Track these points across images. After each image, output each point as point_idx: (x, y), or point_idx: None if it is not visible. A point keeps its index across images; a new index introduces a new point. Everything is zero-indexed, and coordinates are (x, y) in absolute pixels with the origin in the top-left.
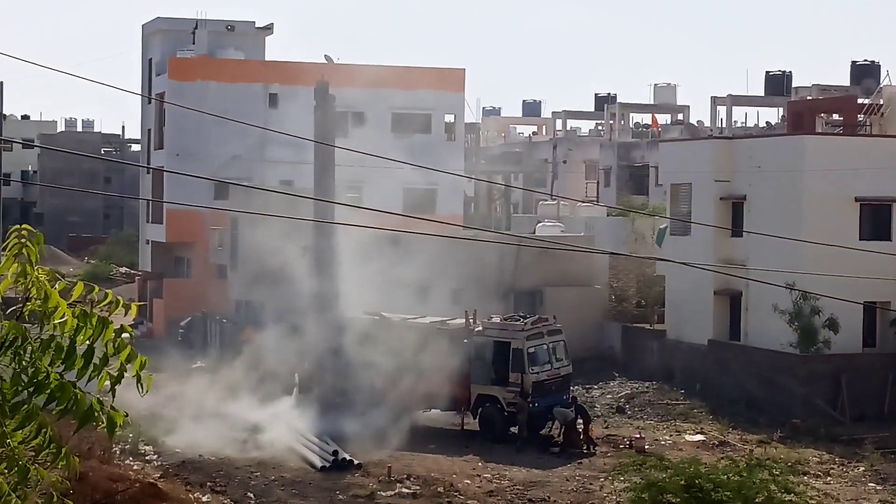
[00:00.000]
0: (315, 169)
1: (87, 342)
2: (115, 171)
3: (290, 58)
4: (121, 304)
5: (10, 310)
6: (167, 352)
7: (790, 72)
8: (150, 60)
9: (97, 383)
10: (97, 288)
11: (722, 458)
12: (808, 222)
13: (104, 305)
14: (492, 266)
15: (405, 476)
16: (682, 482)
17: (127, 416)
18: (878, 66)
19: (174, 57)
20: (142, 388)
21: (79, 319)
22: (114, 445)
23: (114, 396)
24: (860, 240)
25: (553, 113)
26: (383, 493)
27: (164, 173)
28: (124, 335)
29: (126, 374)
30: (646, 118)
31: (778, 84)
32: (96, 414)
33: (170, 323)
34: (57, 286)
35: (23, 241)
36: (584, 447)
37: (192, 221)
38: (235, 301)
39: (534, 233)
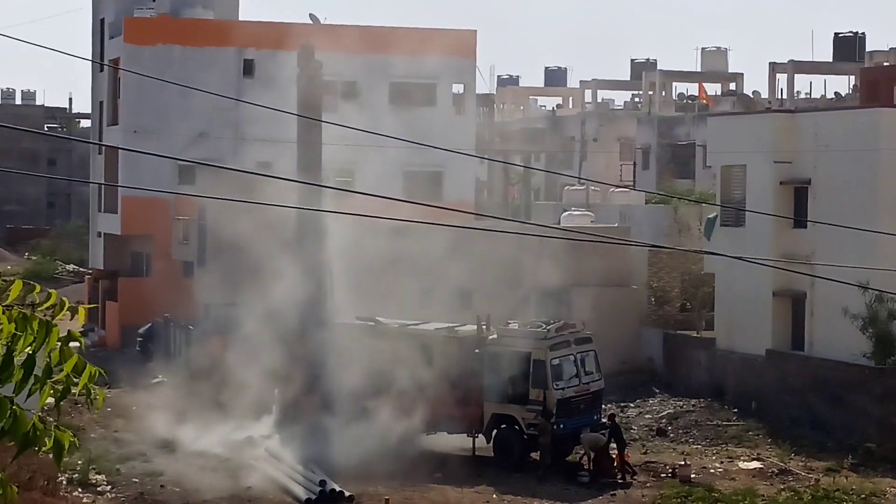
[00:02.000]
0: (298, 148)
1: (28, 351)
2: (61, 152)
3: (269, 17)
4: (66, 307)
5: None
6: (122, 364)
7: (863, 33)
8: (103, 21)
9: (38, 399)
10: (38, 287)
11: (783, 490)
12: (884, 210)
13: (47, 308)
14: (508, 263)
15: None
16: None
17: (75, 437)
18: None
19: (130, 17)
20: (91, 404)
21: (17, 324)
22: (60, 474)
23: (59, 414)
24: None
25: (581, 82)
26: None
27: (119, 154)
28: (72, 343)
29: (73, 389)
30: (692, 88)
31: (849, 48)
32: (39, 435)
33: (125, 330)
34: None
35: None
36: (619, 476)
37: (151, 210)
38: (203, 304)
39: (558, 223)
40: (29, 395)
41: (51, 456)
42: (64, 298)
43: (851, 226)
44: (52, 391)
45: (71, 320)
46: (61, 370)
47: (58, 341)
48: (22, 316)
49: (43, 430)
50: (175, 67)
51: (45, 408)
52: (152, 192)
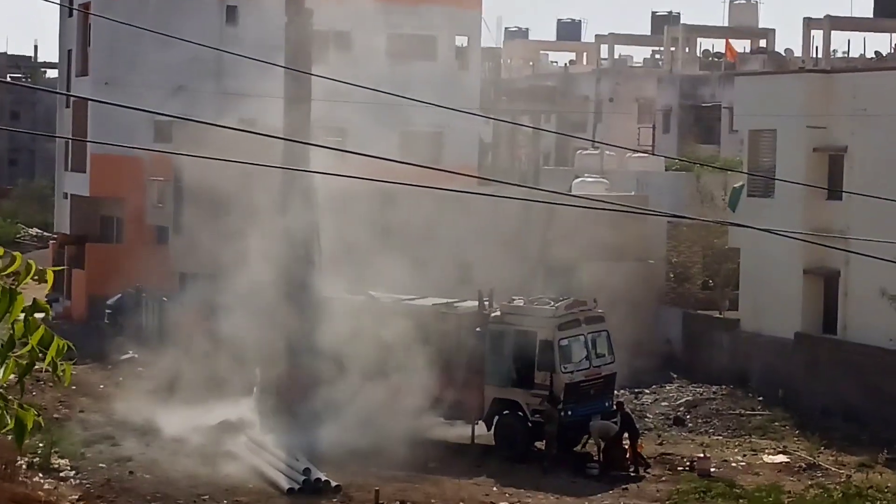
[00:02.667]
0: (285, 104)
1: None
2: (25, 104)
3: None
4: (33, 271)
5: None
6: (89, 338)
7: None
8: None
9: (0, 373)
10: (1, 250)
11: (811, 486)
12: None
13: (9, 273)
14: (514, 233)
15: (397, 503)
16: None
17: (38, 416)
18: None
19: None
20: (59, 380)
21: None
22: (19, 458)
23: (22, 391)
24: None
25: (597, 37)
26: None
27: (89, 108)
28: (37, 314)
29: (38, 363)
30: (718, 45)
31: (891, 3)
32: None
33: (93, 301)
34: None
35: None
36: (631, 469)
37: (123, 170)
38: (179, 274)
39: (570, 191)
40: None
41: (10, 437)
42: (31, 261)
43: (891, 198)
44: (14, 366)
45: (38, 285)
46: (25, 343)
47: (22, 311)
48: None
49: (3, 407)
50: (151, 14)
51: (5, 384)
52: (125, 148)
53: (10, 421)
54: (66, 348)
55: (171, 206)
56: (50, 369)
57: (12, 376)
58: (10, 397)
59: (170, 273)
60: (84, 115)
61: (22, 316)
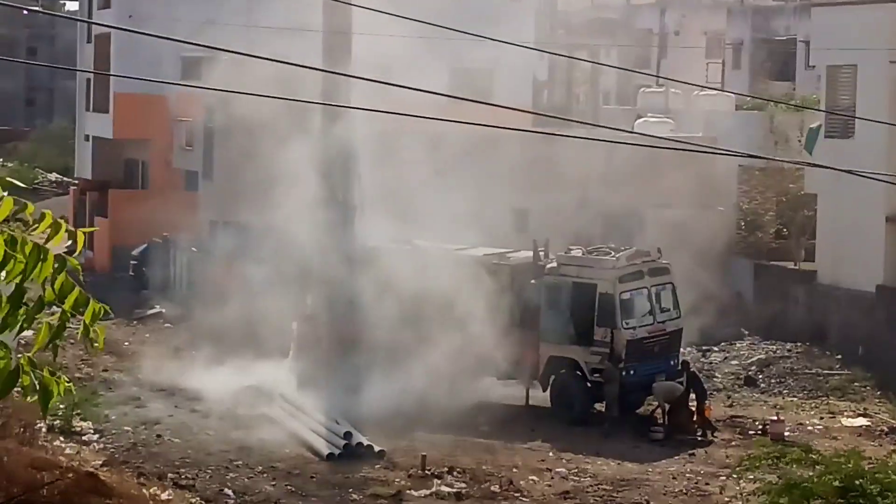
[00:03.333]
0: (324, 38)
1: (16, 281)
2: (43, 39)
3: None
4: (63, 229)
5: None
6: (113, 291)
7: None
8: None
9: (34, 340)
10: (31, 206)
11: (894, 451)
12: None
13: (42, 230)
14: (571, 177)
15: (445, 469)
16: (837, 483)
17: (70, 383)
18: None
19: None
20: (92, 345)
21: (7, 247)
22: (39, 420)
23: (55, 355)
24: None
25: None
26: (414, 493)
27: (112, 43)
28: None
29: (68, 325)
30: None
31: None
32: (26, 379)
33: (117, 252)
34: None
35: None
36: (698, 432)
37: (149, 110)
38: (209, 222)
39: (632, 131)
40: (20, 332)
41: (30, 400)
42: (61, 220)
43: None
44: (47, 329)
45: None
46: (55, 304)
47: (52, 269)
48: (11, 238)
49: (31, 373)
50: None
51: (23, 341)
52: (151, 86)
53: (35, 385)
54: (102, 312)
55: (201, 149)
56: (84, 334)
57: (27, 333)
58: (38, 361)
59: (199, 221)
60: (107, 51)
61: (51, 274)
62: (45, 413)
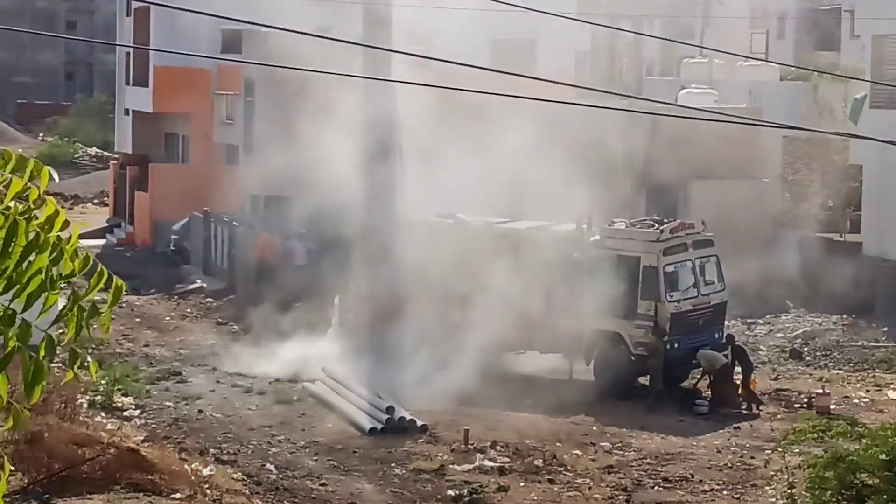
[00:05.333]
0: (364, 10)
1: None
2: (82, 13)
3: None
4: (62, 217)
5: None
6: (154, 266)
7: None
8: None
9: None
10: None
11: None
12: None
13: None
14: (615, 149)
15: (489, 443)
16: (883, 456)
17: (100, 365)
18: None
19: None
20: (91, 328)
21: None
22: (80, 396)
23: (79, 333)
24: None
25: None
26: (457, 468)
27: (152, 17)
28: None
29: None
30: None
31: None
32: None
33: (158, 226)
34: None
35: None
36: (744, 406)
37: (189, 84)
38: (250, 196)
39: (675, 102)
40: (43, 312)
41: (79, 374)
42: (61, 209)
43: None
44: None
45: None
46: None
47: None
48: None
49: (24, 351)
50: None
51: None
52: (191, 59)
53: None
54: (122, 289)
55: (241, 123)
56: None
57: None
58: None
59: (240, 195)
60: (146, 24)
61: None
62: (29, 395)
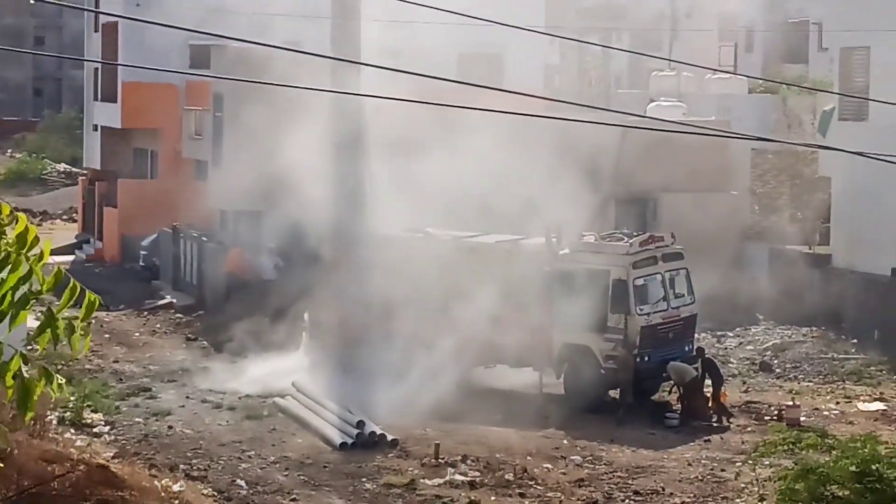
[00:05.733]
0: (333, 24)
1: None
2: (50, 29)
3: None
4: (33, 234)
5: None
6: (123, 282)
7: None
8: None
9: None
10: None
11: None
12: None
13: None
14: (584, 162)
15: (459, 457)
16: (854, 468)
17: (69, 381)
18: None
19: None
20: (72, 344)
21: None
22: (50, 412)
23: (48, 347)
24: None
25: None
26: (428, 482)
27: (120, 32)
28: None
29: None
30: None
31: None
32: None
33: (126, 242)
34: None
35: None
36: (714, 418)
37: (158, 99)
38: (220, 211)
39: (644, 115)
40: (11, 324)
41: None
42: (31, 225)
43: None
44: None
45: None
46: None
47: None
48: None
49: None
50: None
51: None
52: (159, 75)
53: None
54: (96, 304)
55: (210, 138)
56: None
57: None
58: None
59: (209, 211)
60: (114, 40)
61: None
62: (23, 414)
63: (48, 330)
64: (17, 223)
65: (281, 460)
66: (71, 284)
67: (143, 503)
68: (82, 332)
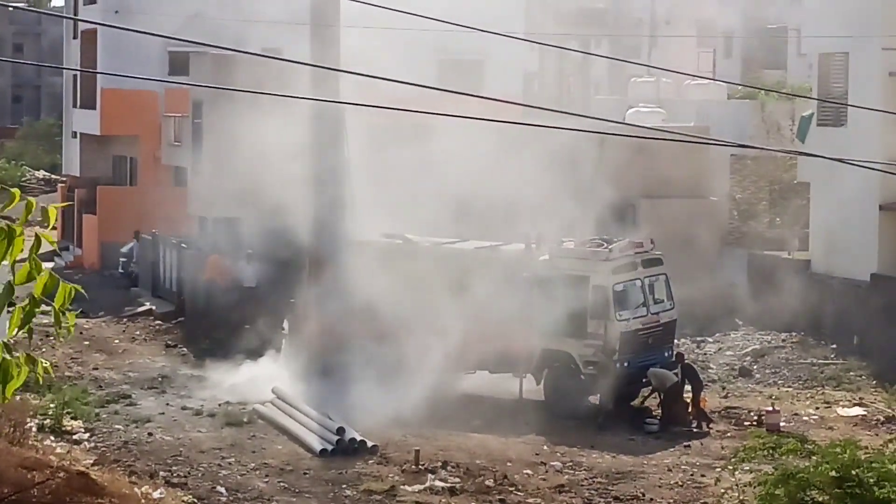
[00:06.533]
0: (312, 31)
1: None
2: (29, 36)
3: None
4: (34, 207)
5: None
6: (103, 289)
7: None
8: None
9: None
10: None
11: (890, 441)
12: None
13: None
14: (563, 169)
15: (439, 464)
16: (834, 473)
17: (48, 367)
18: None
19: None
20: (62, 330)
21: None
22: (29, 419)
23: (30, 338)
24: None
25: None
26: (408, 488)
27: (99, 40)
28: (46, 263)
29: (39, 309)
30: None
31: None
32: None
33: (106, 248)
34: None
35: None
36: (694, 424)
37: (137, 106)
38: (199, 218)
39: (623, 121)
40: None
41: (19, 398)
42: (31, 199)
43: None
44: (19, 313)
45: (45, 230)
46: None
47: (22, 250)
48: None
49: (7, 360)
50: None
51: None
52: (138, 82)
53: (14, 373)
54: (73, 293)
55: (190, 145)
56: (55, 321)
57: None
58: (18, 350)
59: (188, 217)
60: (93, 47)
61: (23, 257)
62: (3, 396)
63: (18, 317)
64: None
65: (261, 467)
66: (47, 276)
67: None
68: (65, 319)
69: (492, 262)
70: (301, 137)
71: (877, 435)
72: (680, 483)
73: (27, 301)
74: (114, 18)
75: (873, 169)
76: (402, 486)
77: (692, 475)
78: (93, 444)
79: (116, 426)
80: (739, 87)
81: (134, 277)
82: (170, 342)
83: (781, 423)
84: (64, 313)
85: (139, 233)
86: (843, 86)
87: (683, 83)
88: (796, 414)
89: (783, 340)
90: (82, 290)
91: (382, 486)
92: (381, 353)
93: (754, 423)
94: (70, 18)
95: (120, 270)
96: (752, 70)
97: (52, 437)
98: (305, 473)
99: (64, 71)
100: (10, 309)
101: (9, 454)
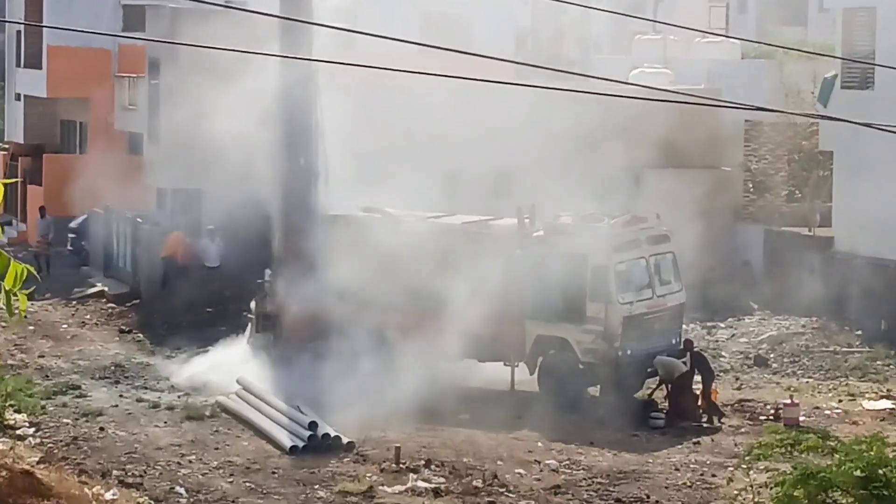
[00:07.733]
0: None
1: None
2: None
3: None
4: None
5: None
6: (49, 268)
7: None
8: None
9: None
10: None
11: None
12: None
13: None
14: (560, 135)
15: (422, 462)
16: (858, 472)
17: None
18: None
19: None
20: (12, 315)
21: None
22: None
23: None
24: None
25: None
26: (387, 489)
27: None
28: None
29: None
30: None
31: None
32: None
33: (53, 224)
34: None
35: None
36: (704, 418)
37: (88, 65)
38: (157, 190)
39: (627, 82)
40: None
41: None
42: None
43: None
44: None
45: None
46: None
47: None
48: None
49: None
50: None
51: None
52: (89, 38)
53: None
54: (24, 274)
55: (146, 109)
56: (3, 304)
57: None
58: None
59: (145, 189)
60: (39, 2)
61: None
62: None
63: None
64: None
65: (224, 465)
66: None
67: None
68: (16, 298)
69: (481, 239)
70: (269, 100)
71: None
72: (688, 483)
73: None
74: None
75: None
76: (380, 487)
77: (702, 475)
78: (38, 440)
79: (65, 420)
80: (755, 46)
81: (84, 255)
82: (124, 327)
83: (800, 418)
84: (15, 294)
85: (44, 209)
86: (869, 44)
87: (693, 41)
88: (817, 407)
89: (803, 326)
90: (34, 271)
91: (359, 487)
92: (357, 339)
93: (771, 417)
94: None
95: (69, 247)
96: (770, 26)
97: None
98: (274, 473)
99: (6, 26)
100: None
101: None
